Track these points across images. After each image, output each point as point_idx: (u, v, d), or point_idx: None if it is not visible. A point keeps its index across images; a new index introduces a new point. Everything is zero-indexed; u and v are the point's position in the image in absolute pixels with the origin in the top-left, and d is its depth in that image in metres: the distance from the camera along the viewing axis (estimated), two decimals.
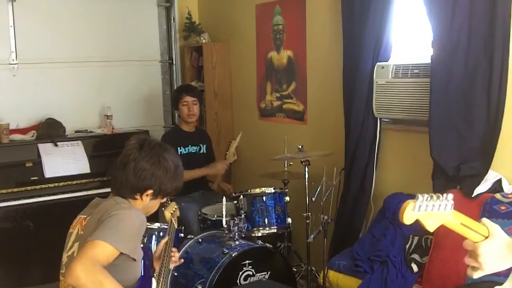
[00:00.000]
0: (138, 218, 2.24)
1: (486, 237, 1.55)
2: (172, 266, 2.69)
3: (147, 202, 2.39)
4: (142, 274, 2.31)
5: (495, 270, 1.56)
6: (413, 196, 3.61)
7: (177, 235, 3.35)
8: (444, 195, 1.49)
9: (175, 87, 5.49)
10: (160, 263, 2.55)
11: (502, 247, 1.55)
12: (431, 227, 1.51)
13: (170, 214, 2.75)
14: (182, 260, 2.81)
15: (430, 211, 1.49)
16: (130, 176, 2.32)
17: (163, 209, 2.66)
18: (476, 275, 1.58)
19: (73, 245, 2.28)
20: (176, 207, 2.85)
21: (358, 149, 3.89)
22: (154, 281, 2.44)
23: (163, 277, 2.46)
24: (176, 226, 2.78)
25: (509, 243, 1.57)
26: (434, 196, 1.49)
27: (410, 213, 1.48)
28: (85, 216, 2.33)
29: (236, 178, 5.20)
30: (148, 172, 2.33)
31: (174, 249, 2.69)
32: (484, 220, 1.60)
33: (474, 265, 1.56)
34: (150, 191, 2.36)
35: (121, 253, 2.12)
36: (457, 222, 1.55)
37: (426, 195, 1.48)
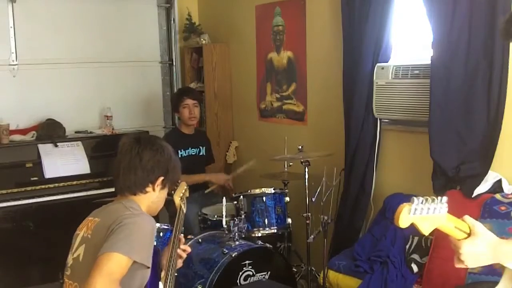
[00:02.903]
0: (148, 224, 2.24)
1: (468, 234, 1.59)
2: (180, 261, 2.65)
3: (157, 193, 2.40)
4: (149, 280, 2.30)
5: (477, 265, 1.63)
6: (413, 196, 3.62)
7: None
8: (439, 198, 1.50)
9: (175, 88, 5.50)
10: (168, 260, 2.53)
11: (483, 246, 1.59)
12: (426, 230, 1.54)
13: (179, 199, 2.71)
14: (189, 250, 2.74)
15: (425, 214, 1.50)
16: (139, 170, 2.34)
17: (172, 192, 2.63)
18: (460, 265, 1.64)
19: (79, 248, 2.27)
20: (186, 187, 2.79)
21: (358, 150, 3.90)
22: (161, 284, 2.44)
23: (170, 278, 2.45)
24: (185, 211, 2.76)
25: (491, 242, 1.61)
26: (429, 199, 1.50)
27: (405, 217, 1.49)
28: (92, 218, 2.33)
29: (236, 178, 5.20)
30: (154, 160, 2.36)
31: (181, 237, 2.65)
32: (466, 217, 1.63)
33: (458, 262, 1.61)
34: (160, 179, 2.38)
35: (135, 262, 2.12)
36: (451, 225, 1.57)
37: (421, 198, 1.49)
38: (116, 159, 2.42)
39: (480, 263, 1.62)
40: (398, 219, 1.49)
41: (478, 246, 1.58)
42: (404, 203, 1.49)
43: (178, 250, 2.60)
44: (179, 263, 2.64)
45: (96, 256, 2.09)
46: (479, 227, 1.60)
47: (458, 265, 1.63)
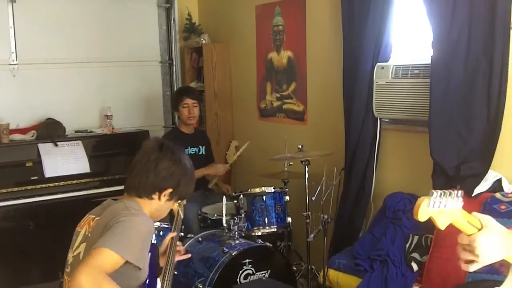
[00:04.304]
0: (145, 225, 2.22)
1: (479, 229, 1.54)
2: (177, 259, 2.67)
3: (162, 203, 2.38)
4: (147, 277, 2.31)
5: (491, 261, 1.55)
6: (413, 196, 3.62)
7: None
8: (455, 191, 1.48)
9: (175, 88, 5.50)
10: (166, 259, 2.54)
11: (498, 237, 1.54)
12: (442, 225, 1.50)
13: (177, 204, 2.71)
14: (189, 255, 2.77)
15: (443, 208, 1.47)
16: (151, 175, 2.32)
17: None
18: (472, 268, 1.55)
19: (79, 246, 2.27)
20: None
21: (358, 149, 3.90)
22: (159, 281, 2.44)
23: (167, 277, 2.46)
24: (182, 216, 2.76)
25: (504, 231, 1.57)
26: (447, 193, 1.46)
27: (425, 210, 1.46)
28: (94, 216, 2.32)
29: (236, 177, 5.21)
30: (169, 171, 2.34)
31: (178, 243, 2.68)
32: (475, 213, 1.59)
33: (471, 258, 1.54)
34: (169, 190, 2.36)
35: (127, 261, 2.11)
36: (465, 220, 1.55)
37: (439, 191, 1.45)
38: (135, 158, 2.40)
39: (494, 257, 1.54)
40: (417, 212, 1.45)
41: (493, 236, 1.52)
42: (423, 196, 1.47)
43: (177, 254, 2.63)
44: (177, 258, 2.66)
45: None
46: (489, 219, 1.56)
47: (468, 266, 1.55)
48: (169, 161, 2.35)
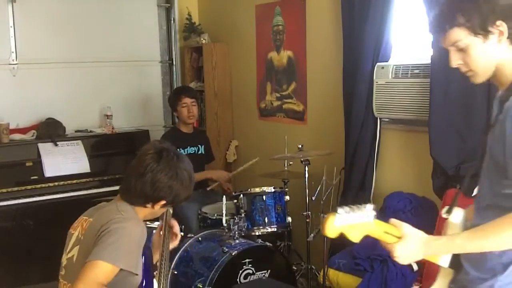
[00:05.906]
0: (137, 230, 2.23)
1: (399, 237, 1.68)
2: (172, 246, 2.62)
3: (156, 210, 2.37)
4: (144, 279, 2.31)
5: (409, 262, 1.74)
6: (413, 196, 3.61)
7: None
8: (365, 205, 1.57)
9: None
10: (159, 254, 2.53)
11: (413, 246, 1.70)
12: (355, 238, 1.60)
13: None
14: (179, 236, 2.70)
15: (353, 223, 1.55)
16: (146, 187, 2.28)
17: None
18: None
19: (73, 248, 2.28)
20: None
21: (358, 149, 3.90)
22: (155, 282, 2.44)
23: (163, 274, 2.45)
24: (171, 211, 2.74)
25: (420, 240, 1.71)
26: (355, 208, 1.55)
27: (331, 227, 1.53)
28: (86, 218, 2.32)
29: (236, 177, 5.20)
30: (166, 184, 2.29)
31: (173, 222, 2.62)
32: (393, 221, 1.72)
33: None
34: (163, 202, 2.34)
35: (122, 269, 2.12)
36: (381, 230, 1.62)
37: (346, 208, 1.54)
38: (132, 162, 2.37)
39: (411, 260, 1.72)
40: (324, 229, 1.54)
41: (409, 247, 1.68)
42: (330, 213, 1.54)
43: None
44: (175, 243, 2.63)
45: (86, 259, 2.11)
46: (407, 228, 1.69)
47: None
48: (166, 175, 2.29)
